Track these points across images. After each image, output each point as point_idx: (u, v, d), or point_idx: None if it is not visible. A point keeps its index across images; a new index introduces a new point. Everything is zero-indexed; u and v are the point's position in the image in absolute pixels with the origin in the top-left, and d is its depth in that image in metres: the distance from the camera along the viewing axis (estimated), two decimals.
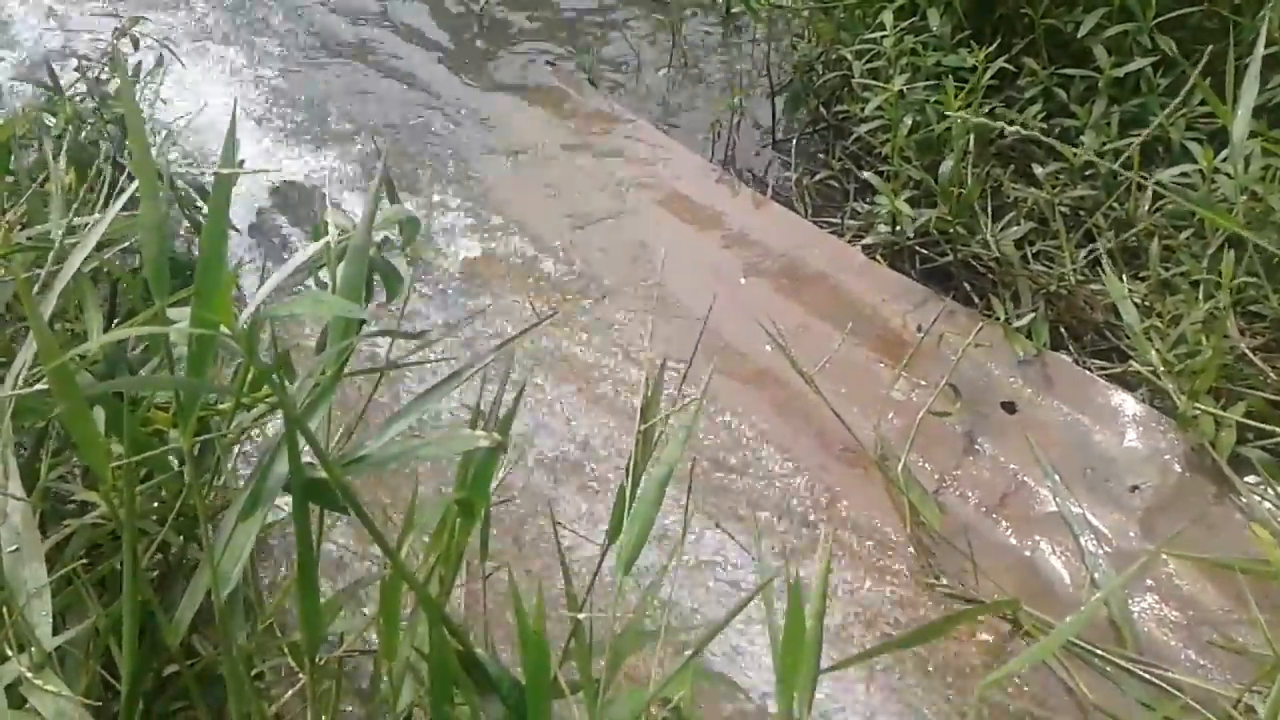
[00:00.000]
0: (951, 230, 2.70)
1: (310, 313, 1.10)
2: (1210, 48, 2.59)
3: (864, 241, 2.87)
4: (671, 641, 1.75)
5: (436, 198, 3.04)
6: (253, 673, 1.55)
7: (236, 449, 1.86)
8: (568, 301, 2.74)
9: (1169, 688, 1.84)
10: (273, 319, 1.24)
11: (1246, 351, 2.30)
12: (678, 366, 2.22)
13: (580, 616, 1.33)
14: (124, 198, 1.29)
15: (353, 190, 3.18)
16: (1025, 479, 2.24)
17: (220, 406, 1.57)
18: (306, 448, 1.09)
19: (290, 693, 1.52)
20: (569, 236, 2.96)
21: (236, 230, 2.50)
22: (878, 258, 2.82)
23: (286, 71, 3.74)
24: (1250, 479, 2.13)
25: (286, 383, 1.16)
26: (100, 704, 1.26)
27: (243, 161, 2.29)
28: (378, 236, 1.45)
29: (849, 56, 3.03)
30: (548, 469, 2.31)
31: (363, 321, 1.57)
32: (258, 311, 1.04)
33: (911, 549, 2.12)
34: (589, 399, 2.47)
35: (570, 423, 2.41)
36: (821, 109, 3.37)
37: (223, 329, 1.02)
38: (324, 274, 1.38)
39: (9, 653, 1.12)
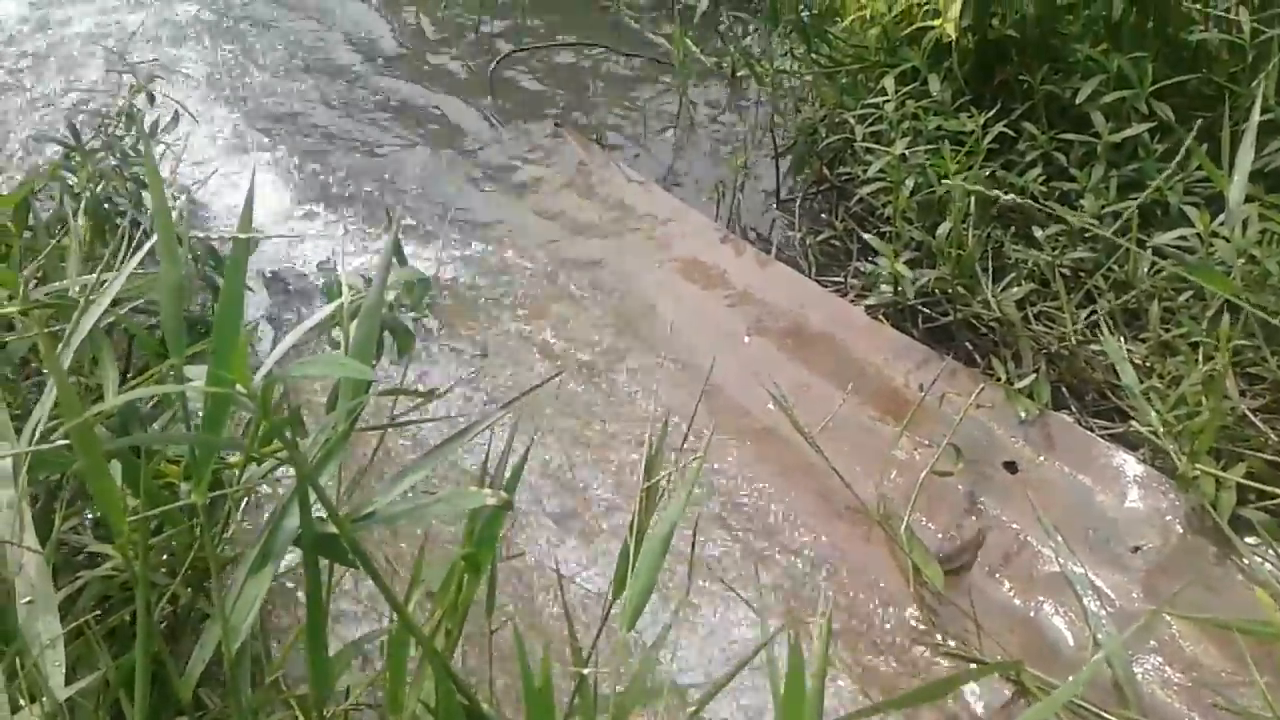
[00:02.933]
0: (952, 290, 2.74)
1: (324, 374, 1.13)
2: (1206, 114, 2.64)
3: (867, 301, 2.90)
4: (675, 699, 1.76)
5: (440, 252, 3.09)
6: None
7: (245, 501, 1.88)
8: (574, 359, 2.77)
9: None
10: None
11: (1247, 413, 2.32)
12: (682, 424, 2.24)
13: (585, 671, 1.35)
14: (140, 254, 1.33)
15: (361, 254, 3.23)
16: (1028, 539, 2.25)
17: (231, 460, 1.60)
18: (316, 503, 1.11)
19: None
20: (576, 292, 3.00)
21: (250, 289, 2.54)
22: (880, 317, 2.85)
23: (297, 133, 3.82)
24: (1251, 540, 2.14)
25: (298, 439, 1.19)
26: None
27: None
28: (388, 296, 1.49)
29: (851, 120, 3.09)
30: (554, 525, 2.32)
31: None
32: (272, 372, 1.07)
33: (914, 608, 2.12)
34: (595, 457, 2.49)
35: (577, 480, 2.43)
36: (825, 170, 3.43)
37: (238, 388, 1.05)
38: (337, 332, 1.42)
39: (22, 702, 1.14)
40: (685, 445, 2.07)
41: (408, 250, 3.16)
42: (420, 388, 2.38)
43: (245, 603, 1.15)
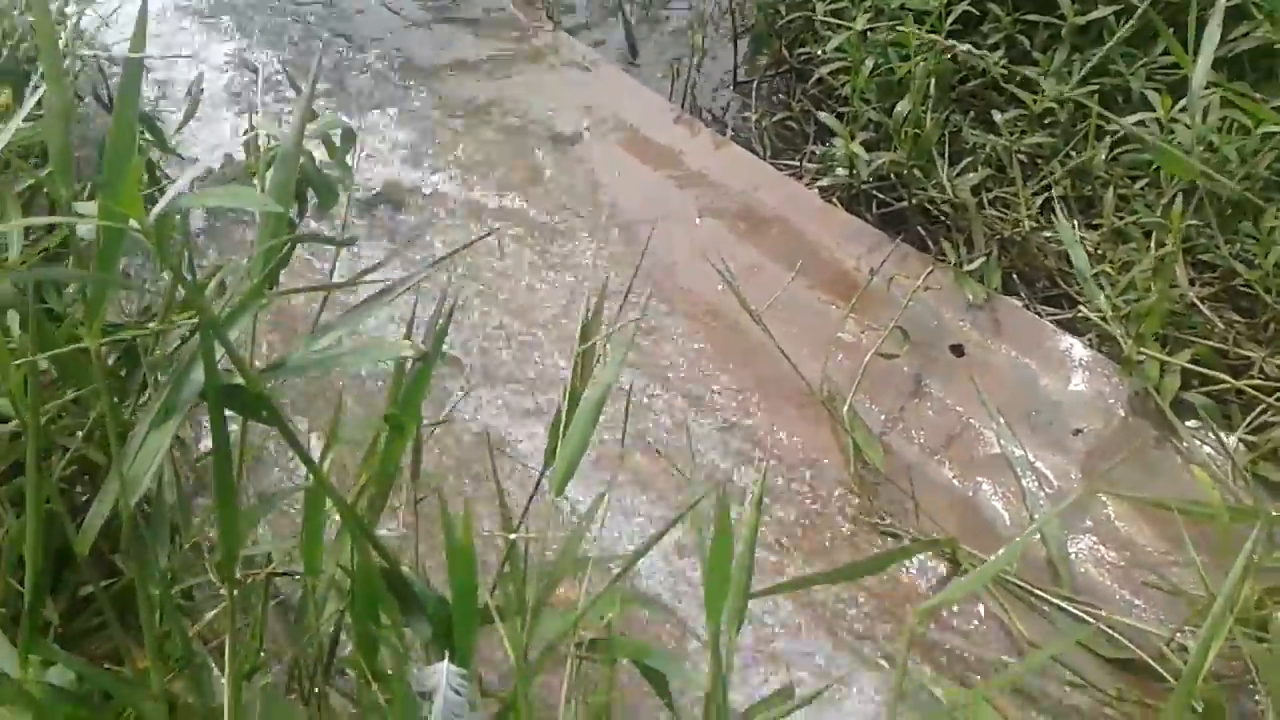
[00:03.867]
0: (907, 174, 2.68)
1: (228, 204, 1.06)
2: None
3: (821, 184, 2.84)
4: (607, 567, 1.74)
5: (377, 118, 2.97)
6: (175, 590, 1.53)
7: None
8: (516, 232, 2.70)
9: (1103, 626, 1.86)
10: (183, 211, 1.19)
11: (1194, 300, 2.30)
12: (629, 298, 2.19)
13: (511, 537, 1.32)
14: (37, 96, 1.24)
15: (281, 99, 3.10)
16: (971, 421, 2.24)
17: (150, 325, 1.53)
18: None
19: (214, 612, 1.49)
20: (521, 171, 2.91)
21: (179, 156, 2.42)
22: (834, 201, 2.79)
23: None
24: (1191, 424, 2.14)
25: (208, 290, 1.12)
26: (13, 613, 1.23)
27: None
28: (311, 145, 1.41)
29: None
30: (491, 391, 2.28)
31: (293, 229, 1.53)
32: (171, 204, 1.00)
33: (854, 487, 2.12)
34: (533, 324, 2.44)
35: (515, 347, 2.38)
36: (784, 51, 3.32)
37: (132, 222, 0.98)
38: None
39: None
40: (621, 312, 2.02)
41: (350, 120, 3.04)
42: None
43: (146, 455, 1.09)
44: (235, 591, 1.25)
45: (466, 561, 1.16)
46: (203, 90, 2.18)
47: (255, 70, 3.20)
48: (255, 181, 1.21)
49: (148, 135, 2.24)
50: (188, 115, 2.11)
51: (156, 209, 0.98)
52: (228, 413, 1.09)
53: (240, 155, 2.71)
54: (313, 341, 1.19)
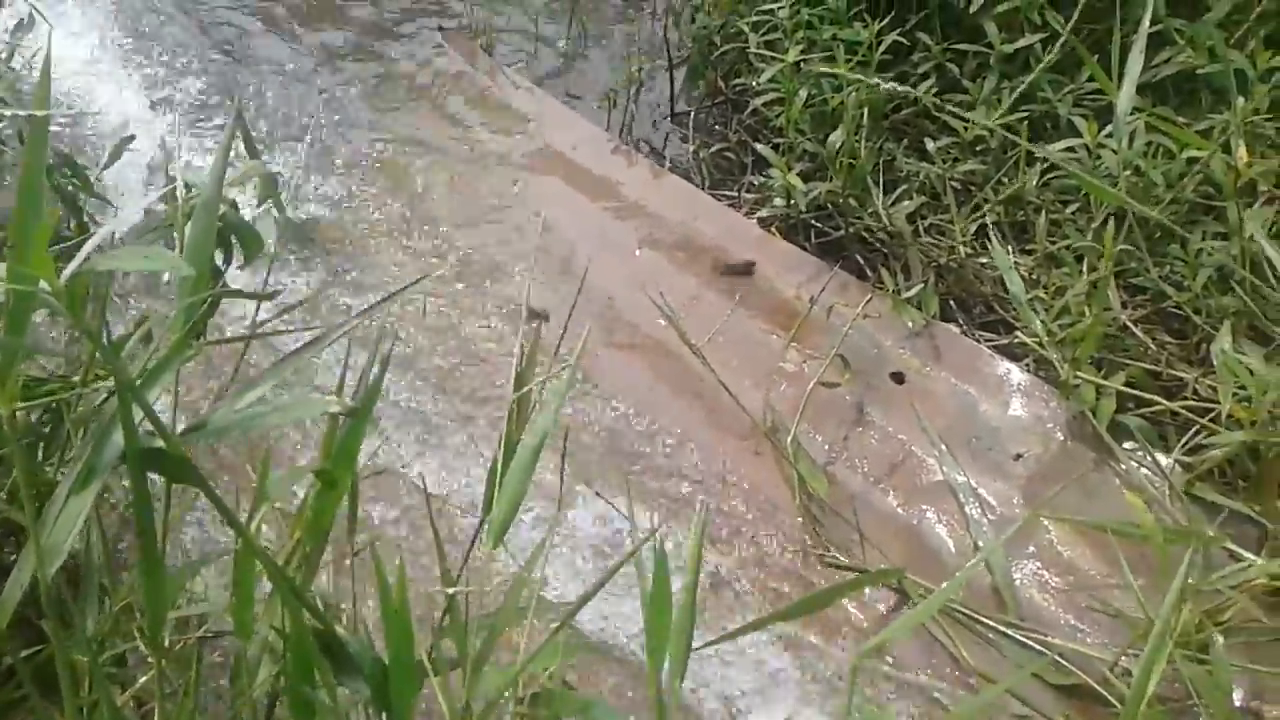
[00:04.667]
0: (844, 203, 2.70)
1: (140, 268, 1.03)
2: (1097, 26, 2.62)
3: (759, 214, 2.85)
4: (551, 615, 1.71)
5: (312, 161, 2.93)
6: (105, 657, 1.47)
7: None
8: (456, 269, 2.67)
9: (1048, 652, 1.86)
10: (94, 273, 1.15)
11: (1127, 323, 2.34)
12: (567, 332, 2.18)
13: (449, 592, 1.29)
14: None
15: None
16: (913, 449, 2.25)
17: (71, 385, 1.48)
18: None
19: (144, 678, 1.44)
20: (460, 205, 2.88)
21: (107, 200, 2.36)
22: (773, 230, 2.80)
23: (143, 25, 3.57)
24: (1129, 445, 2.17)
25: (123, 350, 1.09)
26: None
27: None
28: (235, 194, 1.37)
29: (746, 29, 3.01)
30: (430, 440, 2.25)
31: (221, 282, 1.49)
32: (83, 266, 0.96)
33: (800, 520, 2.11)
34: (473, 366, 2.41)
35: (452, 392, 2.35)
36: (720, 82, 3.34)
37: (42, 284, 0.94)
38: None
39: None
40: (569, 353, 2.00)
41: (273, 159, 3.00)
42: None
43: (66, 521, 1.05)
44: (163, 660, 1.21)
45: (402, 622, 1.13)
46: (132, 137, 2.13)
47: (176, 109, 3.15)
48: (176, 235, 1.18)
49: (74, 180, 2.19)
50: (112, 158, 2.06)
51: (67, 271, 0.95)
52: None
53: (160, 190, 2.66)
54: (238, 398, 1.15)
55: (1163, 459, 2.12)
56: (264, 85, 3.35)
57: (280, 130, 3.16)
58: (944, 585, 1.35)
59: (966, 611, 1.93)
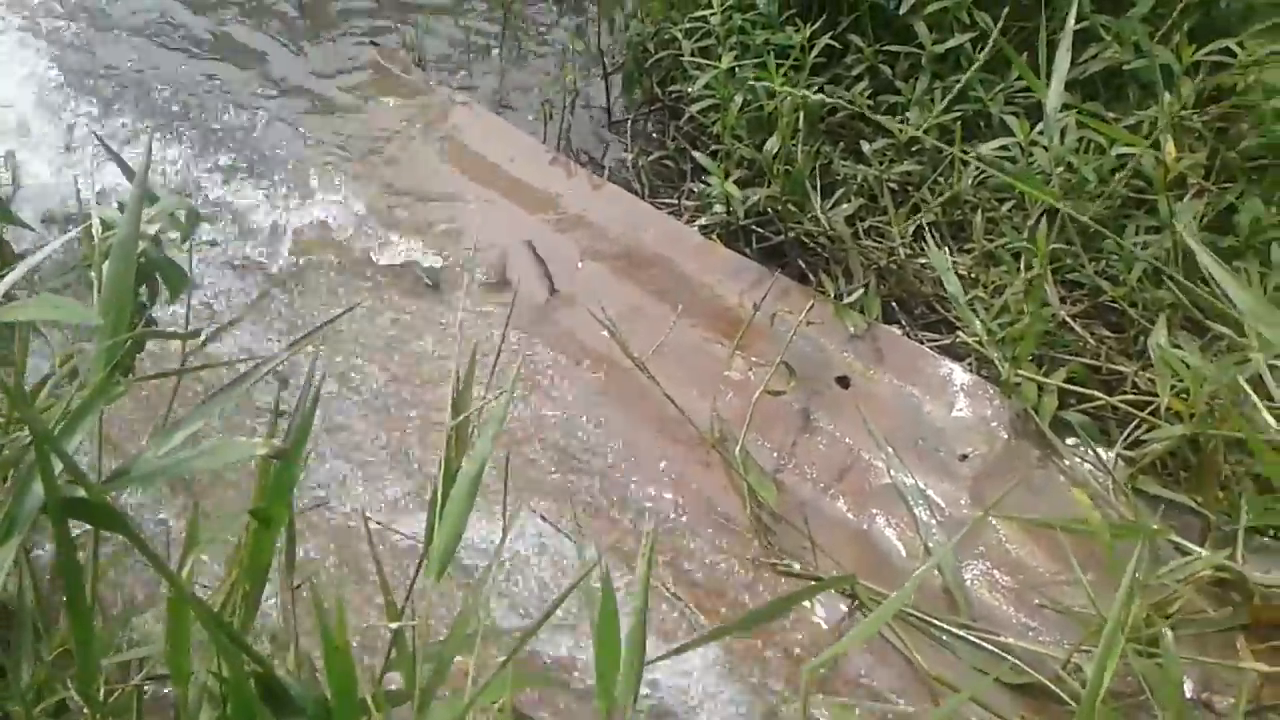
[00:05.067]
0: (783, 208, 2.70)
1: (42, 318, 0.99)
2: (1025, 24, 2.65)
3: (700, 221, 2.84)
4: (500, 643, 1.69)
5: (238, 187, 2.87)
6: (40, 708, 1.42)
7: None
8: (390, 290, 2.63)
9: (1001, 652, 1.87)
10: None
11: (1066, 318, 2.36)
12: (512, 352, 2.15)
13: (393, 626, 1.26)
14: None
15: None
16: (861, 453, 2.25)
17: None
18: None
19: None
20: (392, 220, 2.84)
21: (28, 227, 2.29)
22: (714, 237, 2.80)
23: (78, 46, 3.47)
24: (1071, 441, 2.19)
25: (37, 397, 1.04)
26: None
27: None
28: (154, 229, 1.33)
29: (679, 35, 3.00)
30: (366, 473, 2.21)
31: (149, 322, 1.45)
32: None
33: (751, 530, 2.10)
34: (409, 390, 2.37)
35: (390, 420, 2.31)
36: (656, 89, 3.33)
37: None
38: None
39: None
40: (509, 368, 1.97)
41: (236, 188, 2.93)
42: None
43: None
44: (99, 714, 1.17)
45: (343, 661, 1.11)
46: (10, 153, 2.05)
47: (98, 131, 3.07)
48: (93, 274, 1.13)
49: None
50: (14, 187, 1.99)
51: None
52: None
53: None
54: (164, 441, 1.12)
55: (1105, 454, 2.14)
56: (181, 94, 3.27)
57: (203, 149, 3.09)
58: (895, 593, 1.35)
59: (920, 615, 1.93)
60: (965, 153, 2.57)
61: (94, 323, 0.97)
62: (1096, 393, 2.21)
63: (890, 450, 2.23)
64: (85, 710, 1.41)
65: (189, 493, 2.03)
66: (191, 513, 1.15)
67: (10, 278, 0.94)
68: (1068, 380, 2.25)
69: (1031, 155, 2.42)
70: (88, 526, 1.29)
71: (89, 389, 1.08)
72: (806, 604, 1.98)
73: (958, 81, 2.74)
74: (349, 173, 3.01)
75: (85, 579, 1.20)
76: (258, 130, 3.17)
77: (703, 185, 2.92)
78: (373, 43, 3.55)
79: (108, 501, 0.98)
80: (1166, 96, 2.22)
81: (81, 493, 1.02)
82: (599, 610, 1.09)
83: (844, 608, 2.00)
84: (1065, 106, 2.36)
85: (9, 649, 1.36)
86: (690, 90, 2.89)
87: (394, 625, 1.25)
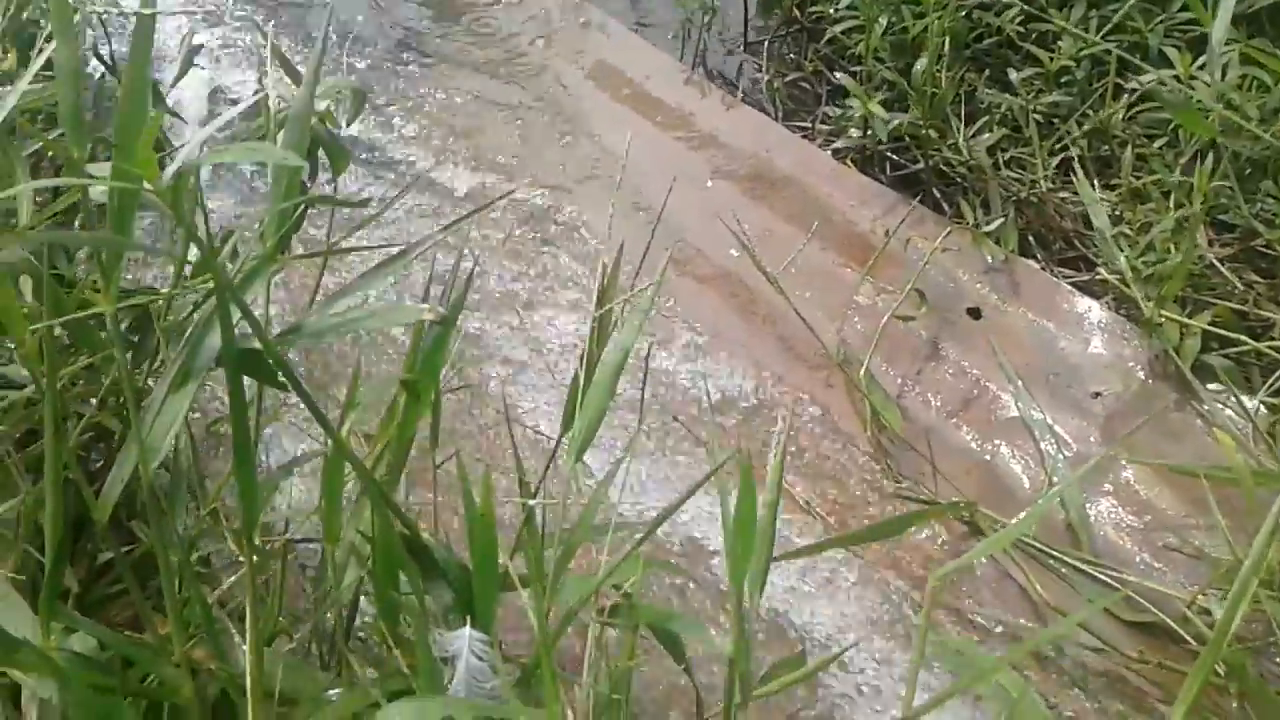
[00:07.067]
0: (923, 135, 2.65)
1: (244, 159, 1.04)
2: None
3: (834, 146, 2.81)
4: (628, 532, 1.73)
5: (375, 77, 2.92)
6: (194, 557, 1.52)
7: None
8: (525, 195, 2.67)
9: (1123, 589, 1.84)
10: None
11: (1215, 261, 2.28)
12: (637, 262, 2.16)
13: (530, 503, 1.30)
14: (44, 56, 1.21)
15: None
16: (988, 384, 2.22)
17: (164, 291, 1.51)
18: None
19: (234, 578, 1.48)
20: (529, 134, 2.87)
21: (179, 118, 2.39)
22: (848, 162, 2.76)
23: None
24: (1212, 386, 2.12)
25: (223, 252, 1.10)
26: (31, 581, 1.22)
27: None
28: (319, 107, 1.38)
29: None
30: (508, 362, 2.26)
31: (305, 191, 1.51)
32: (185, 164, 0.97)
33: (872, 452, 2.10)
34: (549, 291, 2.42)
35: (530, 315, 2.36)
36: (795, 10, 3.27)
37: (145, 184, 0.95)
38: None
39: None
40: (636, 281, 2.00)
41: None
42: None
43: (164, 421, 1.07)
44: (254, 558, 1.24)
45: (486, 528, 1.15)
46: (199, 47, 2.13)
47: (264, 32, 3.16)
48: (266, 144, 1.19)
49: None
50: (182, 72, 2.07)
51: (170, 170, 0.96)
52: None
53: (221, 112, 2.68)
54: (330, 304, 1.17)
55: (1248, 401, 2.07)
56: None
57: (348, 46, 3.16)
58: (1018, 517, 1.34)
59: (1040, 546, 1.91)
60: (1119, 87, 2.48)
61: (294, 162, 1.01)
62: (1242, 336, 2.13)
63: (1019, 383, 2.19)
64: (239, 559, 1.50)
65: (334, 380, 2.11)
66: (354, 375, 1.20)
67: (195, 140, 0.99)
68: (1212, 323, 2.17)
69: (1191, 90, 2.32)
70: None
71: (265, 247, 1.14)
72: (928, 529, 1.97)
73: (1115, 10, 2.63)
74: (477, 83, 3.05)
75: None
76: (385, 43, 3.23)
77: (838, 109, 2.88)
78: None
79: (281, 356, 1.04)
80: None
81: (255, 347, 1.08)
82: (738, 496, 1.11)
83: (961, 533, 1.99)
84: (1230, 41, 2.25)
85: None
86: (833, 10, 2.84)
87: (530, 502, 1.30)
